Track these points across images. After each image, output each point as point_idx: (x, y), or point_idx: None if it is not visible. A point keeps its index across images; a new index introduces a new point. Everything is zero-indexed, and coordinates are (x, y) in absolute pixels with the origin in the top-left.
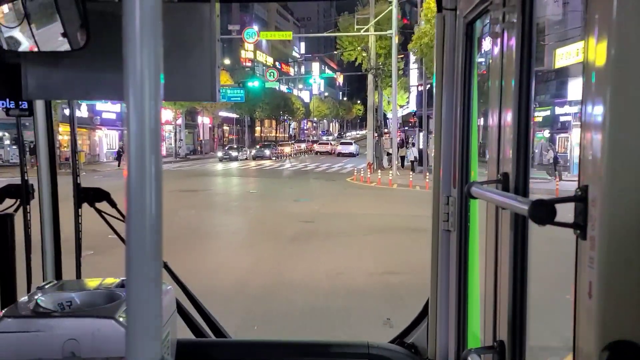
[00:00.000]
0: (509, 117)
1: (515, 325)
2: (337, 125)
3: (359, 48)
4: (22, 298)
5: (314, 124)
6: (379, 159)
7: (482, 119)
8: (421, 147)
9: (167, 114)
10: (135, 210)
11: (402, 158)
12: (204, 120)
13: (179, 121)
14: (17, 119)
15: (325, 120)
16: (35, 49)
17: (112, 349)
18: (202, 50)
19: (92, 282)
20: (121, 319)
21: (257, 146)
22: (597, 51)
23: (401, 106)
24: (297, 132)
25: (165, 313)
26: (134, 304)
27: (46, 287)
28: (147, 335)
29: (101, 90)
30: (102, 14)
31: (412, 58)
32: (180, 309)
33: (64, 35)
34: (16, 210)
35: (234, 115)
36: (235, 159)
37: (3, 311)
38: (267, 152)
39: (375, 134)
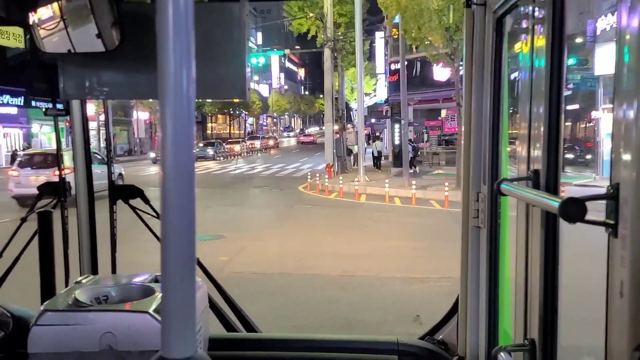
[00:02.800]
0: (539, 113)
1: (546, 324)
2: (299, 120)
3: (311, 15)
4: (61, 292)
5: (274, 120)
6: (342, 159)
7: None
8: (397, 141)
9: (90, 108)
10: (170, 207)
11: (378, 157)
12: (139, 115)
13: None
14: (54, 118)
15: (286, 116)
16: (72, 51)
17: (146, 342)
18: (232, 49)
19: (126, 277)
20: (155, 314)
21: (201, 144)
22: (630, 50)
23: (367, 94)
24: (255, 128)
25: (198, 308)
26: (169, 300)
27: (83, 281)
28: (182, 330)
29: (134, 90)
30: (135, 15)
31: (379, 34)
32: (212, 304)
33: (99, 36)
34: (54, 207)
35: None
36: None
37: (43, 305)
38: (211, 151)
39: (336, 128)
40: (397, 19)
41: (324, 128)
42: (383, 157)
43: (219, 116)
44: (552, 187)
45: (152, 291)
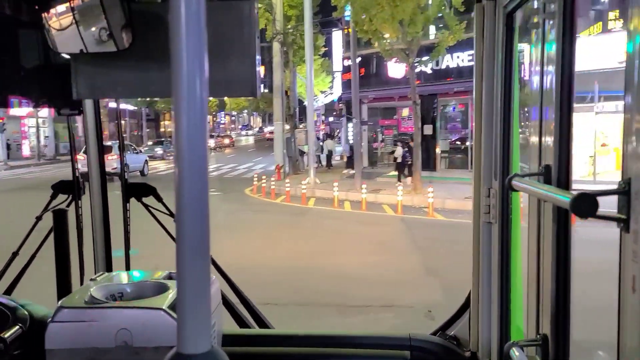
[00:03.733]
0: (550, 108)
1: (558, 319)
2: (258, 119)
3: (260, 6)
4: (77, 289)
5: (232, 118)
6: (293, 160)
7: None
8: (350, 141)
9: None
10: (185, 206)
11: (329, 157)
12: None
13: (45, 112)
14: (67, 118)
15: (245, 114)
16: (84, 51)
17: (161, 339)
18: (242, 47)
19: (141, 274)
20: (170, 310)
21: (149, 143)
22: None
23: (323, 92)
24: (212, 126)
25: (212, 304)
26: (184, 297)
27: (98, 278)
28: (197, 327)
29: (147, 88)
30: (146, 15)
31: (337, 29)
32: (225, 301)
33: (110, 36)
34: (68, 205)
35: (131, 107)
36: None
37: (60, 302)
38: (160, 150)
39: (288, 127)
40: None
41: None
42: (339, 158)
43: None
44: (564, 183)
45: (167, 288)
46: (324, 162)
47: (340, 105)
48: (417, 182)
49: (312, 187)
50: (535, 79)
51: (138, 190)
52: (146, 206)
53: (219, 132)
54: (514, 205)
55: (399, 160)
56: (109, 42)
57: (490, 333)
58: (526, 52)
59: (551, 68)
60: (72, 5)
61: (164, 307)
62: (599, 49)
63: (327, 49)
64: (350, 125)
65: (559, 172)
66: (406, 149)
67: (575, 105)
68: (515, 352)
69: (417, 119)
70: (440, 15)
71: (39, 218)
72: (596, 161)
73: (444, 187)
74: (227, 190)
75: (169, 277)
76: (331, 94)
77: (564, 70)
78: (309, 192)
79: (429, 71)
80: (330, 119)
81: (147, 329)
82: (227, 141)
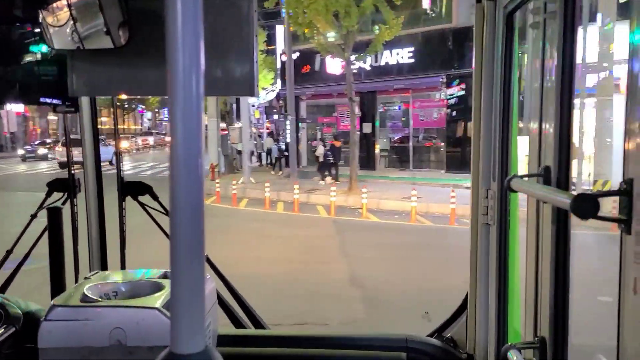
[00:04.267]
0: (550, 109)
1: (556, 322)
2: (205, 116)
3: None
4: (71, 287)
5: None
6: (229, 158)
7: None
8: (288, 139)
9: None
10: (179, 204)
11: (268, 155)
12: (11, 108)
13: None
14: (63, 115)
15: None
16: (81, 47)
17: (156, 338)
18: (240, 45)
19: (135, 273)
20: (164, 309)
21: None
22: None
23: (264, 89)
24: (154, 123)
25: (207, 304)
26: (178, 296)
27: (93, 277)
28: (191, 327)
29: (143, 86)
30: (143, 12)
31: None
32: (221, 300)
33: (107, 33)
34: (64, 203)
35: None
36: (45, 157)
37: (53, 300)
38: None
39: (223, 124)
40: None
41: (236, 125)
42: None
43: (112, 110)
44: (563, 184)
45: (161, 287)
46: (264, 162)
47: (280, 102)
48: (353, 182)
49: (246, 188)
50: (536, 80)
51: (134, 188)
52: (142, 205)
53: (162, 129)
54: (512, 206)
55: (321, 159)
56: (105, 39)
57: (487, 335)
58: (526, 52)
59: (551, 68)
60: (69, 2)
61: (158, 307)
62: None
63: (273, 47)
64: (287, 122)
65: (558, 173)
66: (328, 148)
67: None
68: (512, 354)
69: (353, 116)
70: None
71: (33, 216)
72: None
73: (382, 187)
74: (155, 189)
75: (164, 276)
76: (273, 91)
77: (564, 70)
78: (242, 193)
79: (368, 68)
80: (276, 117)
81: (141, 328)
82: (168, 139)
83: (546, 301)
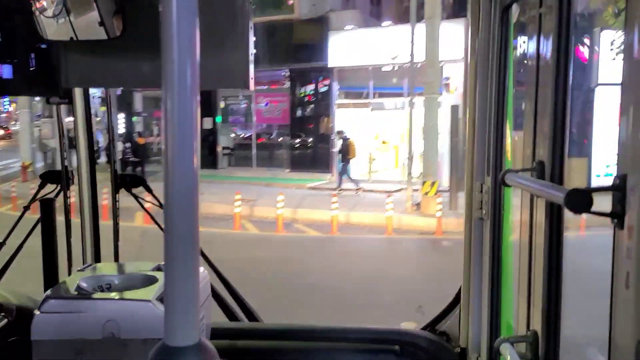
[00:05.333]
0: (545, 104)
1: (549, 315)
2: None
3: None
4: (64, 280)
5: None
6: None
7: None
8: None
9: None
10: (173, 197)
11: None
12: None
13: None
14: (56, 107)
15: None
16: (74, 38)
17: (149, 330)
18: (235, 38)
19: (129, 266)
20: (158, 302)
21: None
22: (638, 40)
23: None
24: None
25: (201, 297)
26: (172, 288)
27: (86, 269)
28: (185, 320)
29: (137, 78)
30: (138, 3)
31: None
32: (215, 293)
33: (101, 24)
34: (57, 195)
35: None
36: None
37: (46, 292)
38: None
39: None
40: None
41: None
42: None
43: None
44: (557, 178)
45: (155, 280)
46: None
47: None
48: None
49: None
50: (531, 74)
51: (127, 181)
52: (136, 197)
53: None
54: (506, 201)
55: (120, 157)
56: (99, 30)
57: (480, 329)
58: (521, 46)
59: (547, 63)
60: None
61: (152, 299)
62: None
63: None
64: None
65: (552, 168)
66: (128, 145)
67: (352, 101)
68: (505, 348)
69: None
70: None
71: (26, 208)
72: (374, 159)
73: (221, 188)
74: None
75: (158, 269)
76: None
77: (559, 65)
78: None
79: None
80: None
81: (135, 321)
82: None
83: (539, 295)
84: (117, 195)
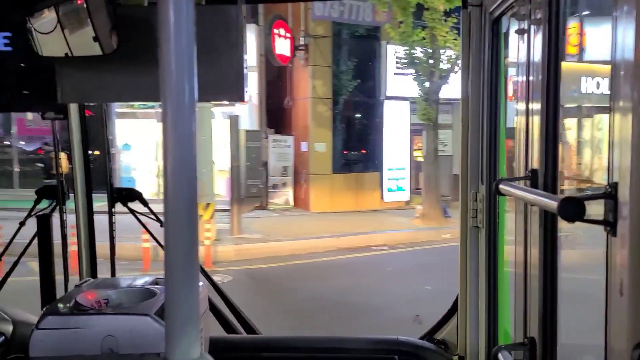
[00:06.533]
0: (536, 113)
1: (546, 322)
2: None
3: None
4: (62, 296)
5: None
6: None
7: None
8: None
9: None
10: (173, 212)
11: None
12: None
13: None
14: (52, 122)
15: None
16: (69, 54)
17: (148, 345)
18: (229, 51)
19: (126, 280)
20: (157, 316)
21: None
22: (626, 48)
23: None
24: None
25: (200, 310)
26: (173, 303)
27: (83, 285)
28: (185, 334)
29: (133, 93)
30: (132, 18)
31: None
32: (212, 306)
33: (96, 39)
34: (52, 210)
35: None
36: None
37: (44, 309)
38: None
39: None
40: None
41: None
42: None
43: None
44: (551, 187)
45: (153, 293)
46: None
47: None
48: None
49: None
50: (522, 84)
51: (124, 195)
52: (132, 211)
53: None
54: (501, 209)
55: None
56: (94, 46)
57: (478, 337)
58: (512, 57)
59: (537, 73)
60: (57, 8)
61: (150, 314)
62: None
63: None
64: None
65: (545, 177)
66: None
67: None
68: (503, 355)
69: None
70: None
71: (22, 223)
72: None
73: None
74: None
75: (155, 283)
76: None
77: (549, 75)
78: None
79: None
80: None
81: (133, 336)
82: None
83: (535, 302)
84: (112, 209)
